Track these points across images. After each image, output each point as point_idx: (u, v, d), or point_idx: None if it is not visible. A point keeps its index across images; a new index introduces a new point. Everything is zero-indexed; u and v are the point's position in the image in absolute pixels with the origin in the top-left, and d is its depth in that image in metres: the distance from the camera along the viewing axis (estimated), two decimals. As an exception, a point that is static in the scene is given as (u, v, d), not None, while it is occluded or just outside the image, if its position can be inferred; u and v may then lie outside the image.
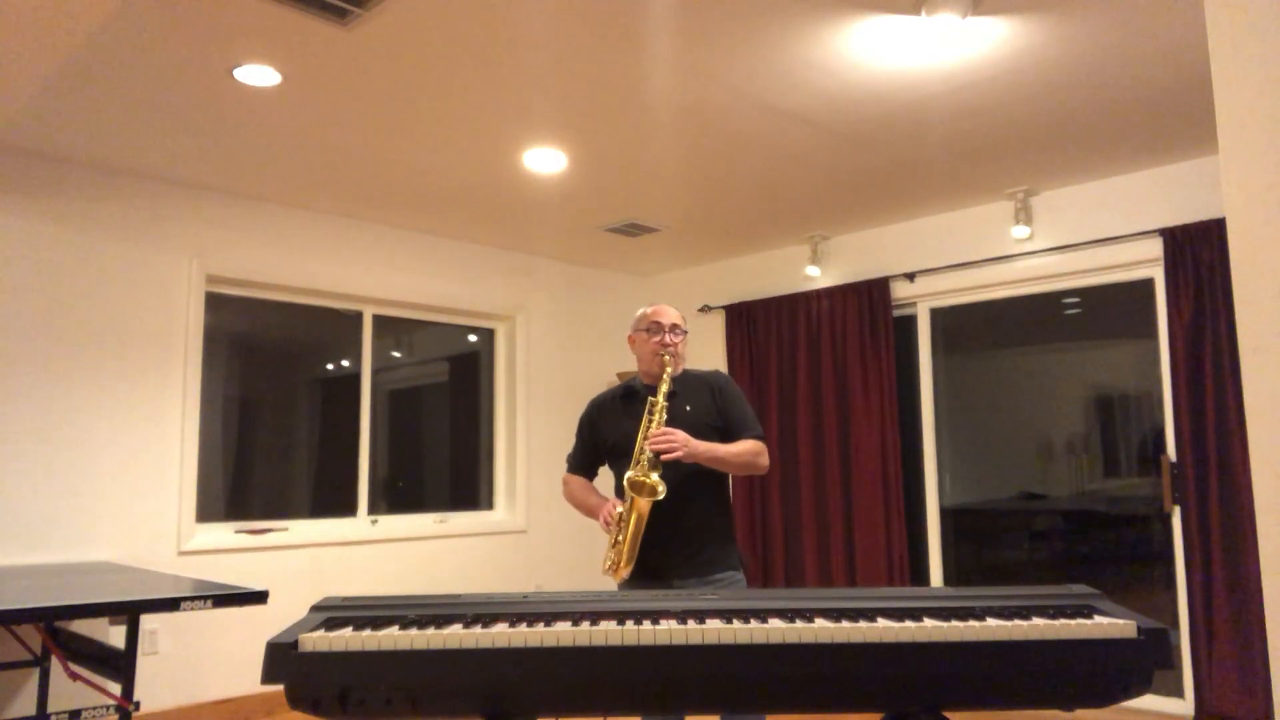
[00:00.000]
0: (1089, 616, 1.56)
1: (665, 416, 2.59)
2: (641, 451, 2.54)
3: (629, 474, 2.52)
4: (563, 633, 1.51)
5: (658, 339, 2.74)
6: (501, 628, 1.53)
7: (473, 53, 3.17)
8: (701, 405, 2.71)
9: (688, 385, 2.76)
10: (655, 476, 2.49)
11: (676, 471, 2.55)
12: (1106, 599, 1.67)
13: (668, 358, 2.71)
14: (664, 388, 2.64)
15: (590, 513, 2.75)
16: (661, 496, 2.47)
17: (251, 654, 4.49)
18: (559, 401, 6.06)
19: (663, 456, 2.49)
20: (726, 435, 2.68)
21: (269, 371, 5.03)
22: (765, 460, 2.68)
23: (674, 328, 2.76)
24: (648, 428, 2.57)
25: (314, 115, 3.70)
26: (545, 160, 4.22)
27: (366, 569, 5.01)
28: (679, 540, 2.60)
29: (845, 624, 1.51)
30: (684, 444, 2.50)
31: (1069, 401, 4.83)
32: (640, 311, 2.85)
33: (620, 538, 2.54)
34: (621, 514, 2.54)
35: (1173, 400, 4.21)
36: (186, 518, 4.39)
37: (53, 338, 4.09)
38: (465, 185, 4.60)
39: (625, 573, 2.55)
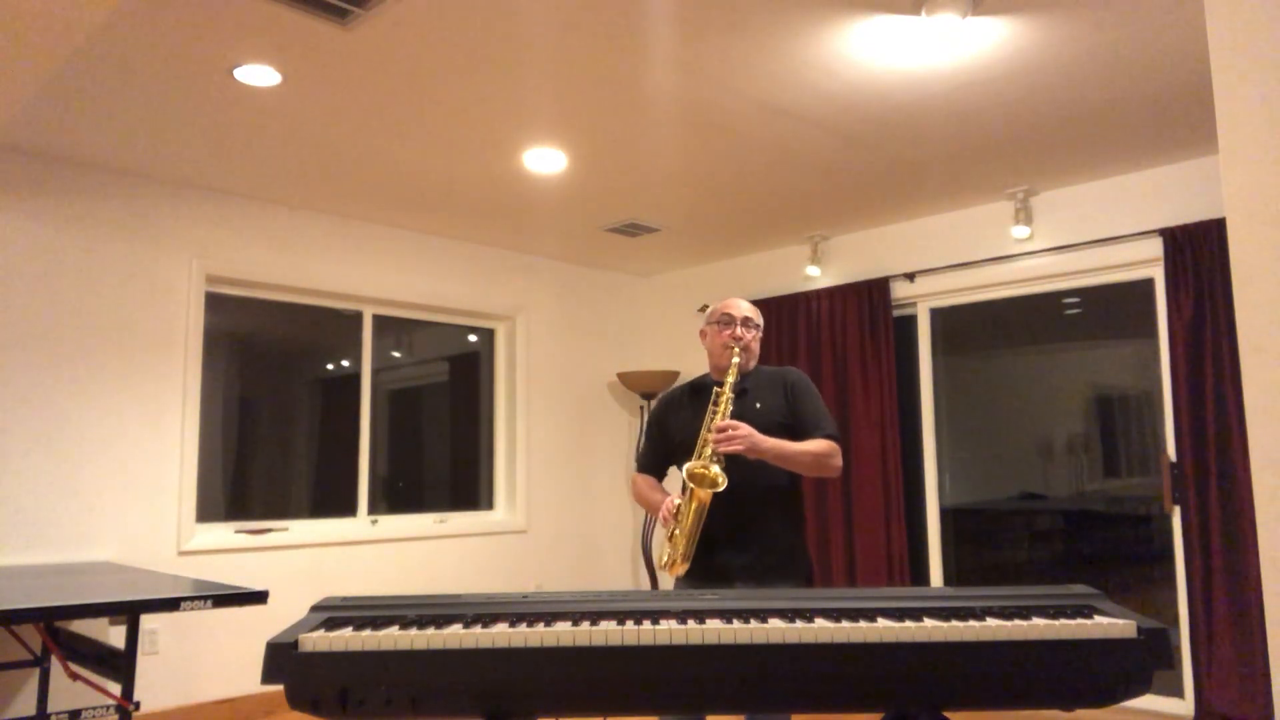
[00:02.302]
0: (1089, 616, 1.56)
1: (730, 409, 2.51)
2: (705, 444, 2.46)
3: (689, 465, 2.43)
4: (563, 633, 1.50)
5: (729, 331, 2.66)
6: (501, 628, 1.53)
7: (473, 52, 3.17)
8: (773, 403, 2.62)
9: (759, 382, 2.67)
10: (716, 469, 2.40)
11: (746, 472, 2.47)
12: (1107, 599, 1.66)
13: (737, 350, 2.63)
14: (730, 378, 2.56)
15: (653, 509, 2.65)
16: (722, 488, 2.38)
17: (251, 654, 4.49)
18: (559, 401, 6.06)
19: (723, 449, 2.40)
20: (796, 434, 2.57)
21: (269, 371, 5.03)
22: (838, 462, 2.55)
23: (746, 321, 2.68)
24: (712, 419, 2.49)
25: (314, 115, 3.70)
26: (545, 160, 4.22)
27: (366, 569, 5.01)
28: (746, 543, 2.51)
29: (845, 624, 1.51)
30: (748, 437, 2.41)
31: (1069, 401, 4.83)
32: (711, 306, 2.78)
33: (677, 531, 2.44)
34: (680, 506, 2.45)
35: (1173, 400, 4.21)
36: (186, 518, 4.39)
37: (53, 338, 4.09)
38: (465, 185, 4.60)
39: (682, 569, 2.46)
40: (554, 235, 5.59)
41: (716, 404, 2.53)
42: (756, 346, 2.72)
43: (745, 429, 2.43)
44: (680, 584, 2.58)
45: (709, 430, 2.47)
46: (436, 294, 5.50)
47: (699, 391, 2.71)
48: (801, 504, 2.68)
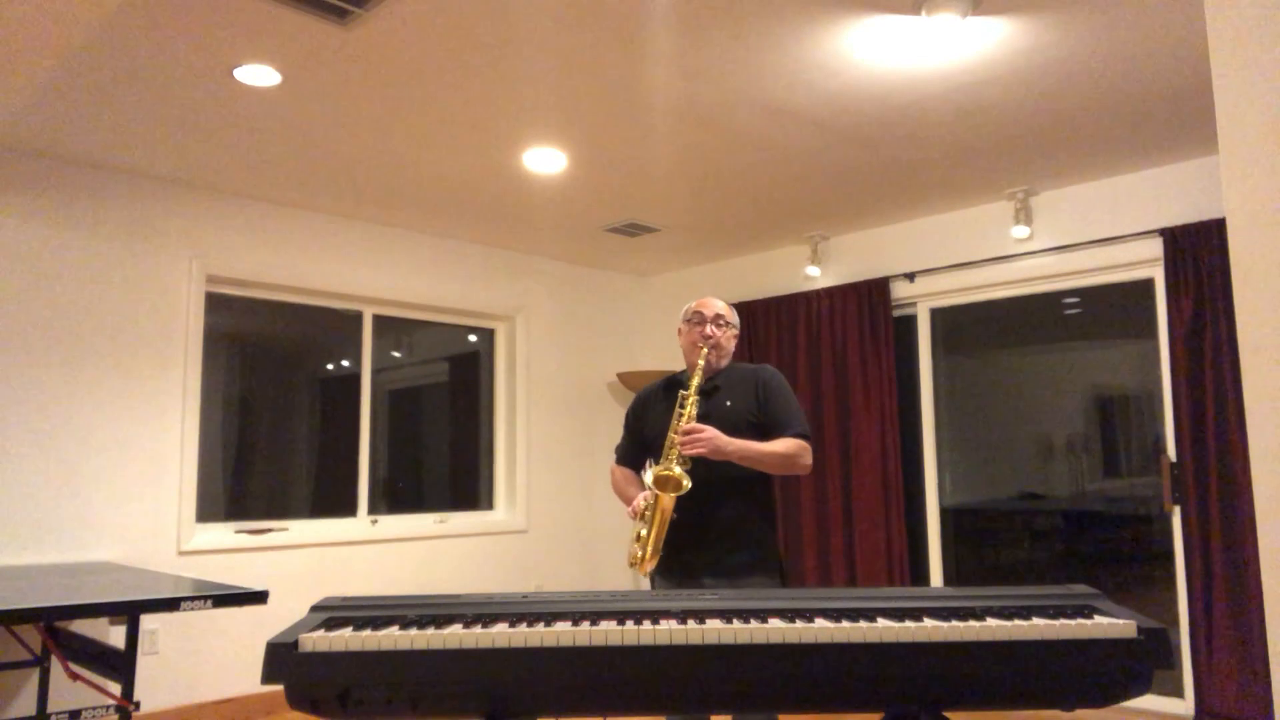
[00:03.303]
0: (1089, 616, 1.56)
1: (695, 410, 2.54)
2: (671, 446, 2.50)
3: (653, 469, 2.49)
4: (563, 633, 1.51)
5: (700, 329, 2.70)
6: (501, 628, 1.53)
7: (473, 53, 3.17)
8: (743, 401, 2.64)
9: (732, 380, 2.70)
10: (679, 470, 2.44)
11: (712, 469, 2.50)
12: (1107, 599, 1.67)
13: (706, 350, 2.65)
14: (695, 380, 2.59)
15: (627, 503, 2.71)
16: (686, 490, 2.42)
17: (251, 654, 4.49)
18: (559, 401, 6.06)
19: (686, 451, 2.45)
20: (767, 432, 2.60)
21: (269, 371, 5.03)
22: (807, 460, 2.58)
23: (717, 319, 2.71)
24: (678, 422, 2.53)
25: (314, 115, 3.70)
26: (545, 160, 4.22)
27: (366, 569, 5.01)
28: (710, 540, 2.55)
29: (845, 624, 1.51)
30: (711, 440, 2.45)
31: (1069, 401, 4.83)
32: (687, 305, 2.81)
33: (644, 532, 2.49)
34: (647, 507, 2.50)
35: (1173, 400, 4.21)
36: (186, 518, 4.39)
37: (53, 338, 4.09)
38: (465, 185, 4.60)
39: (649, 566, 2.50)
40: (554, 235, 5.59)
41: (682, 406, 2.56)
42: (729, 344, 2.75)
43: (710, 432, 2.47)
44: (656, 582, 2.63)
45: (675, 433, 2.51)
46: (436, 294, 5.50)
47: (672, 388, 2.73)
48: (770, 497, 2.70)
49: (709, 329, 2.69)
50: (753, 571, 2.56)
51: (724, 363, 2.74)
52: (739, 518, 2.58)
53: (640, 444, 2.81)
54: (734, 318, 2.78)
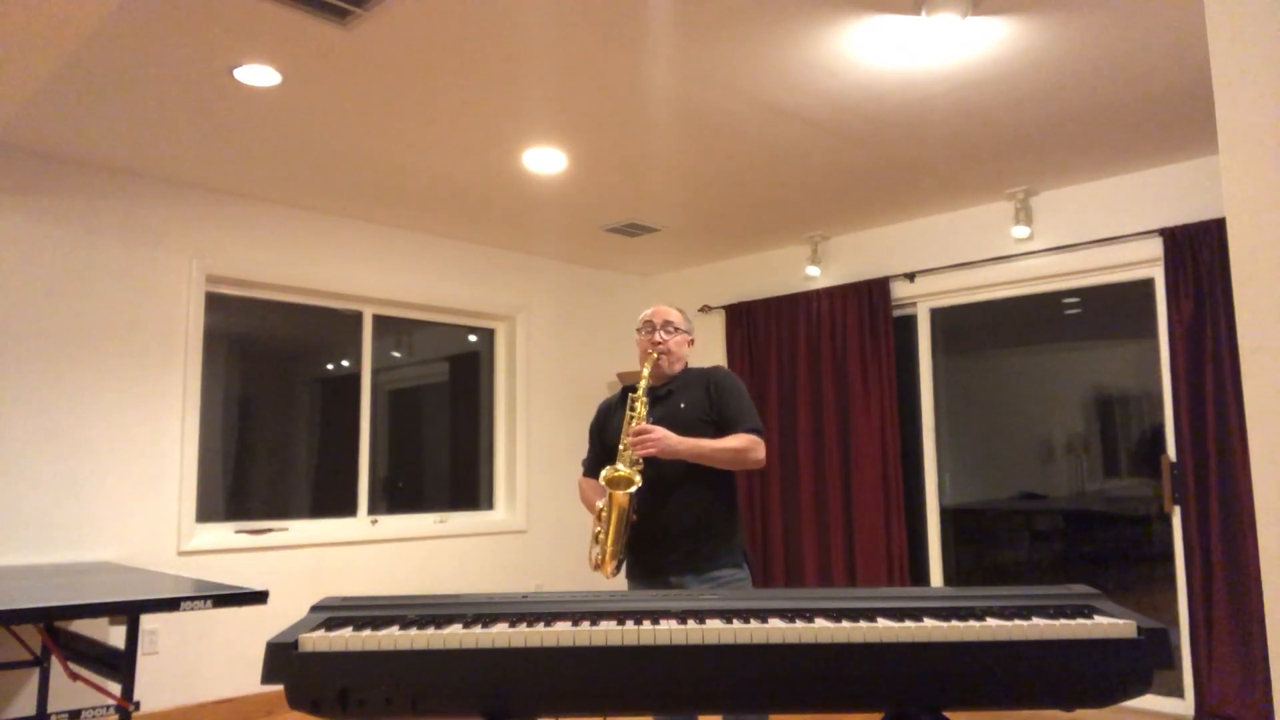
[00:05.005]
0: (1089, 616, 1.56)
1: (645, 411, 2.61)
2: (625, 448, 2.56)
3: (604, 470, 2.55)
4: (563, 633, 1.50)
5: (649, 336, 2.78)
6: (501, 628, 1.53)
7: (473, 53, 3.17)
8: (696, 401, 2.71)
9: (685, 382, 2.77)
10: (623, 468, 2.51)
11: (668, 467, 2.56)
12: (1107, 599, 1.66)
13: (655, 355, 2.73)
14: (643, 384, 2.67)
15: (593, 511, 2.77)
16: (636, 488, 2.48)
17: (251, 654, 4.49)
18: (559, 401, 6.06)
19: (637, 453, 2.51)
20: (722, 430, 2.67)
21: (269, 371, 5.03)
22: (758, 454, 2.64)
23: (666, 325, 2.78)
24: (629, 425, 2.60)
25: (314, 115, 3.70)
26: (545, 160, 4.22)
27: (366, 569, 5.01)
28: (672, 537, 2.60)
29: (845, 624, 1.51)
30: (660, 440, 2.51)
31: (1069, 401, 4.83)
32: (642, 313, 2.89)
33: (602, 534, 2.55)
34: (603, 509, 2.55)
35: (1173, 400, 4.21)
36: (186, 518, 4.39)
37: (53, 338, 4.09)
38: (465, 185, 4.60)
39: (610, 567, 2.56)
40: (554, 235, 5.59)
41: (633, 409, 2.63)
42: (680, 349, 2.82)
43: (659, 432, 2.53)
44: (632, 584, 2.68)
45: (627, 435, 2.57)
46: (436, 294, 5.50)
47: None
48: (731, 490, 2.74)
49: (658, 335, 2.77)
50: (718, 564, 2.61)
51: (677, 367, 2.81)
52: (700, 513, 2.63)
53: (605, 453, 2.85)
54: (685, 324, 2.86)
